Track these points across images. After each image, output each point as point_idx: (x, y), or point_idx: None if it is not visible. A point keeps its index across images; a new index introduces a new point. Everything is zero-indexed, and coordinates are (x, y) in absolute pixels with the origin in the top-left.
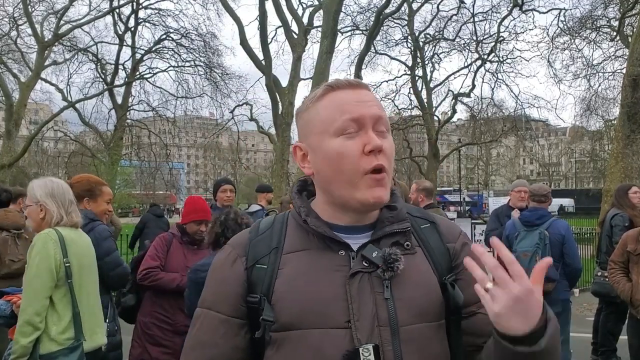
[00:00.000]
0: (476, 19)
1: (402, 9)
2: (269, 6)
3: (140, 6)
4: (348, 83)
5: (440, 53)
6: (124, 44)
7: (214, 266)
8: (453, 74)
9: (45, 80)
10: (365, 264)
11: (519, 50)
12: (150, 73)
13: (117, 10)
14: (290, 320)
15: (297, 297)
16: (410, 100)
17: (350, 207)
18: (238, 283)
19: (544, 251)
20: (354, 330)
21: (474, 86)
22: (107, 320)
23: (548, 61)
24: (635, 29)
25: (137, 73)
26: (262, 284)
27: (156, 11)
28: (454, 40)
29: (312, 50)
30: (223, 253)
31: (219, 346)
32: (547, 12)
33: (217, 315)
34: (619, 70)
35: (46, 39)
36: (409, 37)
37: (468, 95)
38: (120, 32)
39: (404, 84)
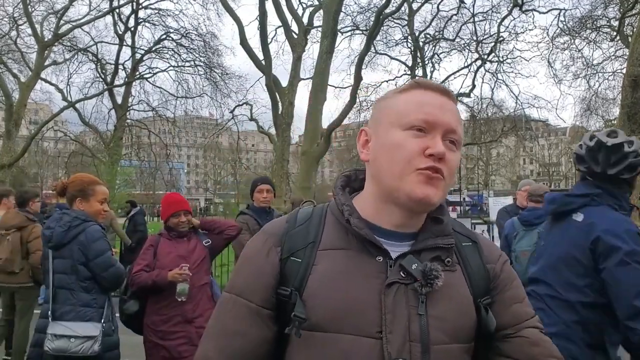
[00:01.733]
0: (476, 19)
1: (402, 9)
2: (269, 6)
3: (140, 6)
4: (436, 86)
5: (440, 53)
6: (124, 44)
7: (248, 253)
8: (453, 74)
9: (45, 80)
10: (403, 275)
11: (519, 51)
12: (150, 73)
13: (117, 10)
14: (320, 321)
15: (330, 297)
16: None
17: (397, 201)
18: (272, 273)
19: None
20: (385, 343)
21: (474, 86)
22: (103, 321)
23: (548, 61)
24: (635, 29)
25: (137, 73)
26: (295, 278)
27: (156, 11)
28: (454, 40)
29: (312, 50)
30: (258, 241)
31: (247, 336)
32: (547, 12)
33: (247, 304)
34: (619, 71)
35: (46, 39)
36: (409, 37)
37: (468, 95)
38: (120, 32)
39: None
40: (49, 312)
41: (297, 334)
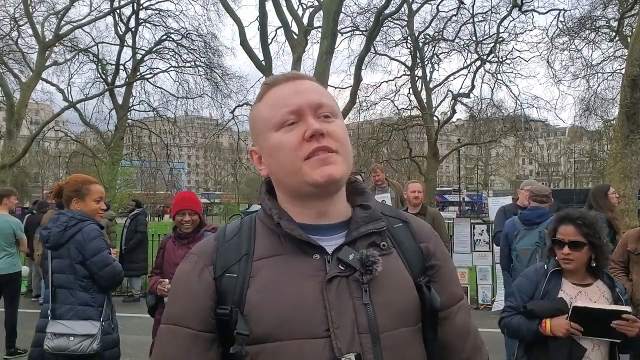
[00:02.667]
0: (475, 19)
1: (402, 9)
2: (269, 7)
3: (141, 7)
4: (285, 77)
5: (440, 53)
6: (125, 44)
7: (178, 278)
8: (452, 74)
9: (46, 81)
10: (342, 268)
11: (519, 51)
12: (150, 73)
13: (118, 10)
14: (266, 332)
15: (272, 306)
16: (410, 100)
17: (305, 194)
18: (207, 295)
19: (543, 250)
20: (334, 340)
21: (473, 86)
22: (102, 319)
23: (547, 62)
24: (634, 30)
25: (138, 73)
26: (233, 294)
27: (157, 12)
28: (453, 40)
29: (312, 51)
30: (188, 263)
31: None
32: (546, 12)
33: (185, 331)
34: (618, 71)
35: (47, 40)
36: (409, 38)
37: (467, 95)
38: (121, 33)
39: (403, 85)
40: (49, 311)
41: (242, 351)
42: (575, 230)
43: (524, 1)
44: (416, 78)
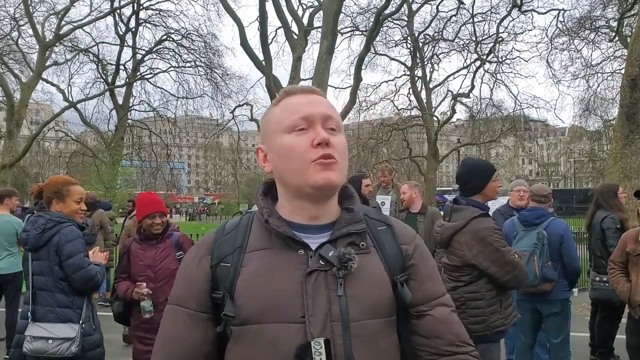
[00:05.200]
0: (475, 19)
1: (402, 9)
2: (269, 7)
3: (141, 7)
4: (302, 89)
5: (440, 53)
6: (125, 44)
7: (183, 264)
8: (452, 74)
9: (47, 81)
10: (322, 263)
11: (518, 51)
12: (151, 73)
13: (118, 11)
14: (249, 315)
15: (257, 293)
16: (410, 100)
17: (304, 194)
18: (204, 280)
19: (542, 251)
20: (308, 325)
21: (473, 86)
22: (82, 321)
23: (547, 62)
24: (634, 30)
25: (138, 73)
26: (226, 281)
27: (157, 12)
28: (453, 40)
29: (312, 51)
30: (191, 252)
31: (188, 339)
32: (546, 12)
33: (185, 311)
34: (617, 71)
35: (47, 40)
36: (409, 38)
37: (467, 95)
38: (121, 33)
39: (403, 85)
40: (29, 313)
41: (227, 330)
42: None
43: (523, 1)
44: (416, 78)
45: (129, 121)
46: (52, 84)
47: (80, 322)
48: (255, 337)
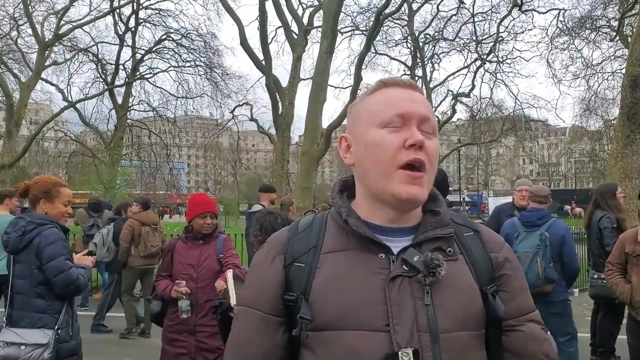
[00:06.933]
0: (476, 19)
1: (402, 9)
2: (269, 6)
3: (141, 6)
4: (402, 82)
5: (440, 53)
6: (125, 44)
7: (254, 264)
8: (453, 74)
9: (46, 81)
10: (406, 268)
11: (519, 51)
12: (150, 73)
13: (118, 10)
14: (328, 320)
15: (335, 297)
16: None
17: (384, 200)
18: (277, 281)
19: (545, 252)
20: (393, 334)
21: (473, 86)
22: (58, 327)
23: (547, 61)
24: (634, 29)
25: (138, 73)
26: (300, 283)
27: (156, 11)
28: (453, 40)
29: (312, 51)
30: (263, 251)
31: (260, 344)
32: (546, 12)
33: (256, 313)
34: (618, 71)
35: (46, 39)
36: (409, 38)
37: (467, 95)
38: (120, 32)
39: None
40: (4, 318)
41: (303, 334)
42: None
43: (523, 1)
44: (416, 78)
45: (129, 121)
46: (52, 84)
47: (56, 327)
48: (333, 344)
